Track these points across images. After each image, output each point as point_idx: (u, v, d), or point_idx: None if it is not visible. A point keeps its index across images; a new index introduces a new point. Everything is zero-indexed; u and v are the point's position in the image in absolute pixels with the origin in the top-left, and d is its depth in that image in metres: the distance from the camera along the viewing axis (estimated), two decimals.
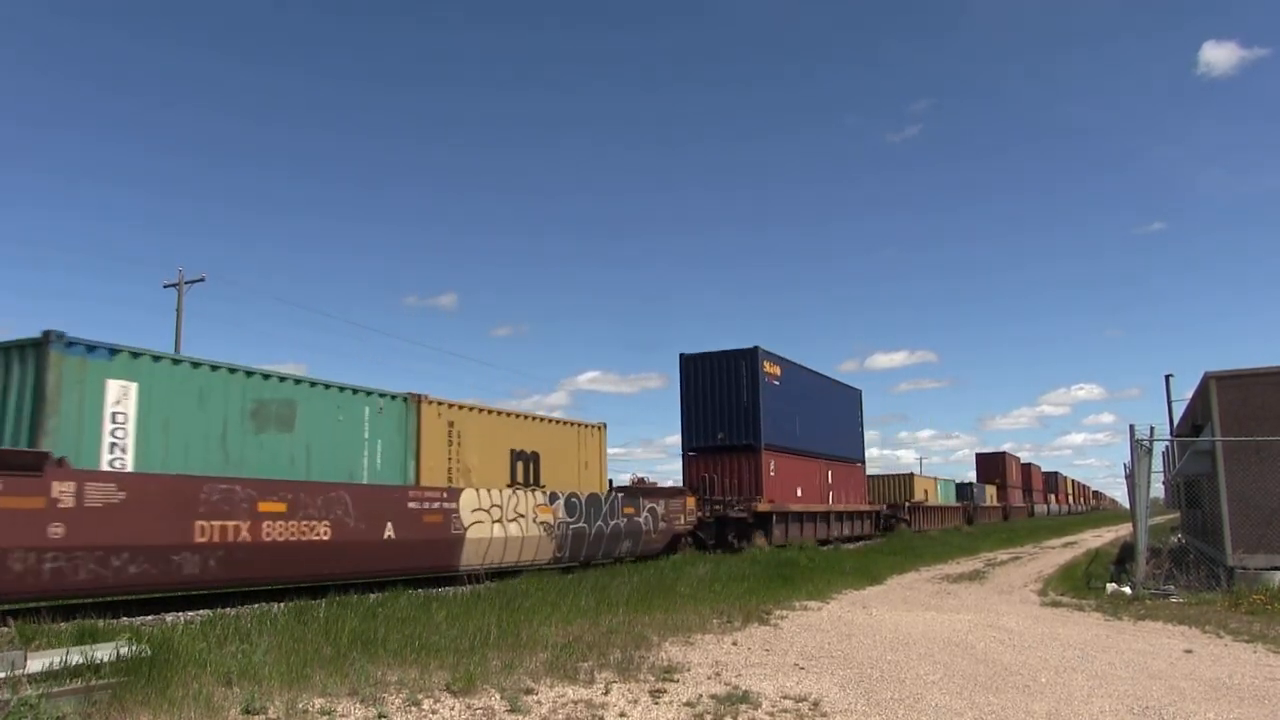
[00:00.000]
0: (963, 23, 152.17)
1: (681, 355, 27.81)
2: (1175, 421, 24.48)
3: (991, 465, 72.09)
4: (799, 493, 28.75)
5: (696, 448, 27.31)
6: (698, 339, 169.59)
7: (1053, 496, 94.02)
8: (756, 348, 26.86)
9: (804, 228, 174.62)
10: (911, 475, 46.03)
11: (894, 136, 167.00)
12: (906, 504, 42.72)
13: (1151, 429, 15.51)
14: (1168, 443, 23.71)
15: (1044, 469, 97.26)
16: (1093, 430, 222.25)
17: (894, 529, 39.73)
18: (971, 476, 67.91)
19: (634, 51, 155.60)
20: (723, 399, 26.90)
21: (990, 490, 64.37)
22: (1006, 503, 67.84)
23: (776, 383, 27.92)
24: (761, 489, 25.78)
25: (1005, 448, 77.70)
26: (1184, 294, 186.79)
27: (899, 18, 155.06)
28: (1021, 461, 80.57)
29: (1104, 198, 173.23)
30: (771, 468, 26.70)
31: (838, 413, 34.80)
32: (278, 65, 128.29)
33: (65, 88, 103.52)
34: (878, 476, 45.10)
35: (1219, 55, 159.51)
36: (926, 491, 47.27)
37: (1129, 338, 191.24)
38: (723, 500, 25.38)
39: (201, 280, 35.28)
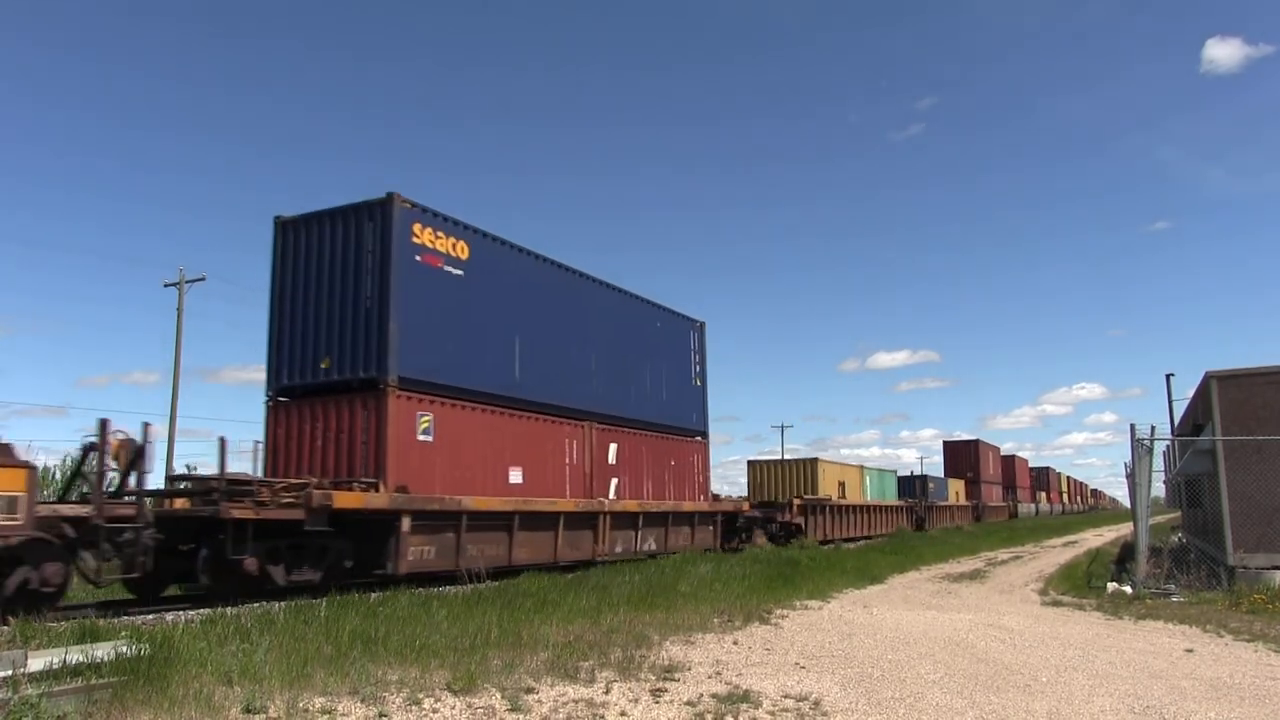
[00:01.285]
0: (966, 20, 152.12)
1: (277, 219, 15.79)
2: (1176, 421, 24.46)
3: (961, 456, 58.92)
4: (514, 477, 16.40)
5: (289, 388, 15.14)
6: None
7: (1043, 494, 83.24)
8: (392, 196, 14.58)
9: (806, 225, 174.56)
10: (815, 461, 32.11)
11: (897, 134, 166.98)
12: (796, 502, 29.69)
13: (1152, 428, 15.53)
14: (1168, 442, 23.68)
15: (1038, 464, 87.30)
16: (1094, 430, 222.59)
17: (770, 537, 27.51)
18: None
19: (636, 47, 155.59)
20: (335, 296, 14.84)
21: (956, 486, 52.72)
22: (979, 500, 55.63)
23: (455, 271, 15.69)
24: (383, 464, 13.81)
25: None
26: (1186, 293, 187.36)
27: (903, 16, 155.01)
28: (1003, 453, 68.76)
29: (1107, 197, 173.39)
30: (419, 425, 14.56)
31: (634, 347, 20.77)
32: (277, 66, 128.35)
33: (64, 87, 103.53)
34: (764, 463, 32.97)
35: (1223, 52, 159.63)
36: (844, 485, 34.44)
37: (1131, 337, 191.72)
38: (210, 489, 12.35)
39: (202, 280, 35.32)
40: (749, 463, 33.46)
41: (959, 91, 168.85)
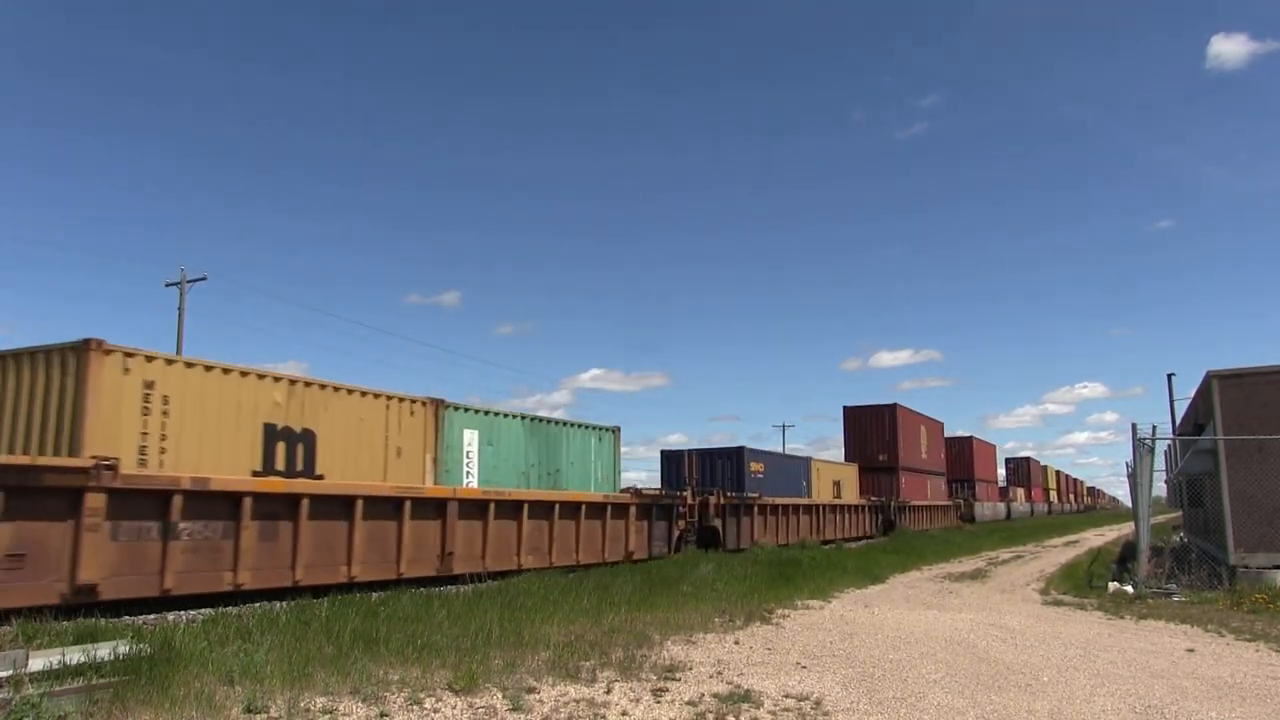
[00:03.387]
0: (970, 19, 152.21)
1: None
2: (1178, 420, 24.49)
3: (870, 430, 38.29)
4: None
5: None
6: (700, 338, 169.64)
7: (1020, 491, 67.64)
8: None
9: (808, 225, 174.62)
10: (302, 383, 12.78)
11: (901, 133, 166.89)
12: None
13: (1154, 427, 15.54)
14: (1170, 441, 23.70)
15: (1025, 457, 72.85)
16: (1096, 429, 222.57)
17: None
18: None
19: (637, 49, 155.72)
20: None
21: (840, 474, 33.44)
22: (891, 498, 36.56)
23: None
24: None
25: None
26: (1188, 292, 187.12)
27: (906, 14, 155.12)
28: (948, 434, 48.24)
29: (1110, 195, 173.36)
30: None
31: None
32: (277, 64, 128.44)
33: (65, 89, 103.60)
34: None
35: (1229, 48, 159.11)
36: (397, 452, 14.27)
37: (1133, 336, 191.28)
38: None
39: (203, 279, 35.22)
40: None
41: (962, 90, 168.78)
